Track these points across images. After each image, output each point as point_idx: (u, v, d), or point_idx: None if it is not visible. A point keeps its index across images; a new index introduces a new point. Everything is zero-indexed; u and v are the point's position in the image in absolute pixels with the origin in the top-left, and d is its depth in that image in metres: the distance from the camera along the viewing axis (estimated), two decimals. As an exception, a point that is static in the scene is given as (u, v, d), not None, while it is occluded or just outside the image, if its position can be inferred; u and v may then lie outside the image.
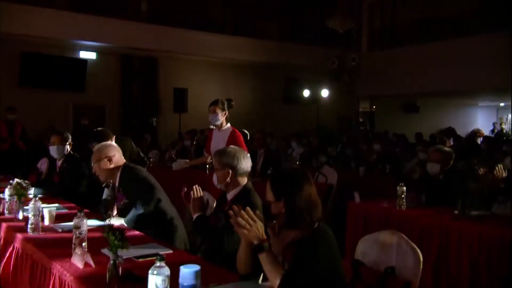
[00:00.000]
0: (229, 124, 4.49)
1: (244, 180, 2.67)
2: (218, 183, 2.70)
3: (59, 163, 4.22)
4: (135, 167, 3.19)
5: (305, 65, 13.22)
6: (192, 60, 12.48)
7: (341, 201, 4.68)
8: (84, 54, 11.05)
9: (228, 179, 2.63)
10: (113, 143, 3.24)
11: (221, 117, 4.40)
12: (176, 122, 10.90)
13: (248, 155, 4.04)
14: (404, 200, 3.82)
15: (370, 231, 2.56)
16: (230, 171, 2.63)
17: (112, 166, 3.11)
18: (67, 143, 4.20)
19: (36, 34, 9.66)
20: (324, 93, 13.68)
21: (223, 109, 4.41)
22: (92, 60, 11.14)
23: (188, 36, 11.55)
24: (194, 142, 8.23)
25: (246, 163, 2.68)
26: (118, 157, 3.16)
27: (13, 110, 7.93)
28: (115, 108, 11.35)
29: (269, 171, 5.18)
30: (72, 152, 4.24)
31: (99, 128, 4.32)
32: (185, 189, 2.74)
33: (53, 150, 4.15)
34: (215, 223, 2.64)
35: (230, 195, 2.68)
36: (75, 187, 4.01)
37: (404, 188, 3.83)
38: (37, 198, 2.70)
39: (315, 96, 13.72)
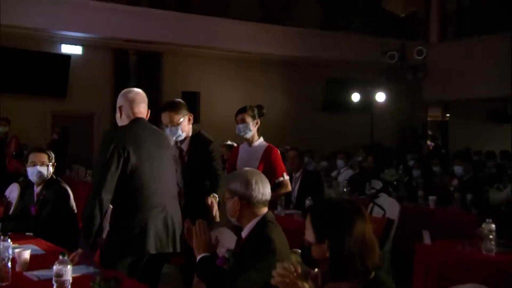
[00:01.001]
0: (262, 138, 4.55)
1: (262, 211, 2.70)
2: (229, 216, 2.76)
3: (37, 189, 4.25)
4: (141, 120, 3.27)
5: (354, 61, 13.20)
6: (206, 56, 12.65)
7: (405, 242, 4.61)
8: (66, 49, 11.33)
9: (237, 212, 2.67)
10: (141, 92, 3.34)
11: (253, 128, 4.48)
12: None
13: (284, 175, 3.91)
14: (493, 242, 3.74)
15: (446, 284, 2.51)
16: (240, 202, 2.67)
17: (120, 116, 3.31)
18: (51, 163, 4.25)
19: (4, 23, 9.83)
20: (380, 97, 13.60)
21: (254, 117, 4.48)
22: (77, 56, 11.40)
23: (201, 24, 11.73)
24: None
25: (262, 189, 2.71)
26: (129, 108, 3.28)
27: (5, 121, 8.08)
28: (106, 117, 11.56)
29: (308, 202, 5.17)
30: (54, 176, 4.29)
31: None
32: (188, 224, 2.78)
33: (34, 172, 4.18)
34: (222, 265, 2.65)
35: (244, 232, 2.71)
36: (57, 222, 4.03)
37: (493, 225, 3.75)
38: (6, 237, 2.69)
39: (367, 101, 13.65)
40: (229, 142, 7.41)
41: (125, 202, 3.07)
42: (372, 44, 13.14)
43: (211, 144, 4.03)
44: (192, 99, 11.01)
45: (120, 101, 3.31)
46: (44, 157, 4.22)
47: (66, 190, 4.20)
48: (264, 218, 2.68)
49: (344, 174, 8.44)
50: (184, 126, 3.93)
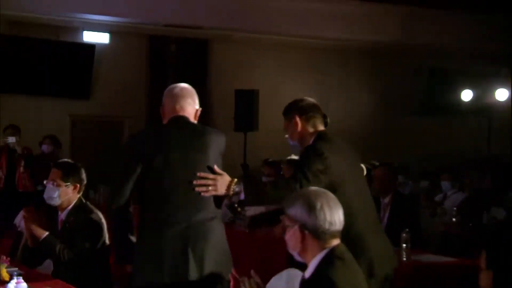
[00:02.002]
0: None
1: (330, 244, 2.71)
2: (290, 249, 2.81)
3: (62, 215, 4.36)
4: (179, 119, 3.59)
5: (465, 47, 12.93)
6: (266, 43, 12.74)
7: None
8: (90, 36, 11.60)
9: (299, 244, 2.70)
10: (187, 86, 3.72)
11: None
12: (239, 146, 10.97)
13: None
14: None
15: None
16: (301, 231, 2.68)
17: (163, 115, 3.69)
18: (69, 183, 4.32)
19: (13, 6, 10.07)
20: (501, 95, 13.27)
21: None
22: (104, 45, 11.66)
23: (259, 3, 11.72)
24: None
25: (329, 216, 2.70)
26: (170, 105, 3.63)
27: (14, 130, 8.45)
28: (139, 123, 11.62)
29: (404, 235, 5.10)
30: (84, 200, 4.40)
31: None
32: (234, 276, 2.86)
33: (45, 194, 4.30)
34: None
35: (308, 271, 2.74)
36: (85, 259, 4.13)
37: None
38: (19, 278, 2.81)
39: (483, 101, 13.36)
40: (293, 157, 7.28)
41: (144, 215, 3.41)
42: (490, 23, 12.84)
43: (316, 143, 3.73)
44: (248, 99, 11.07)
45: (163, 99, 3.68)
46: (57, 174, 4.32)
47: (100, 220, 4.30)
48: (330, 252, 2.68)
49: (453, 198, 8.29)
50: (292, 132, 3.87)
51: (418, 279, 4.83)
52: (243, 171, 10.59)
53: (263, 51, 12.77)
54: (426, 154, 12.56)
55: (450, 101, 13.56)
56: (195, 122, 3.66)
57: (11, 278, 2.99)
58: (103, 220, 4.30)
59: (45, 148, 9.24)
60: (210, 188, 3.36)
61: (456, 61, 13.48)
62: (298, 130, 3.78)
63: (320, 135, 3.74)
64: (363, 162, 7.40)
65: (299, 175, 3.41)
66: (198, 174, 3.36)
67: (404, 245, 4.94)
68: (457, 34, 12.81)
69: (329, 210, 2.70)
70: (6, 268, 3.31)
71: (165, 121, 3.63)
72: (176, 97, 3.63)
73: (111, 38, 11.79)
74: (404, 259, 4.92)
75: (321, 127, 3.78)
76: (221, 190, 3.39)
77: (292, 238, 2.72)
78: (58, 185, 4.27)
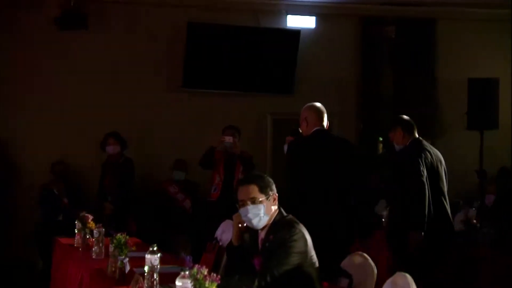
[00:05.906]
0: None
1: None
2: None
3: (261, 234, 4.46)
4: (319, 130, 6.20)
5: None
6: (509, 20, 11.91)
7: None
8: (294, 21, 11.54)
9: None
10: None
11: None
12: (474, 148, 10.48)
13: None
14: None
15: None
16: None
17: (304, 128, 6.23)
18: (269, 197, 4.39)
19: None
20: None
21: None
22: (309, 31, 11.60)
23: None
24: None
25: None
26: (312, 119, 6.12)
27: (232, 131, 8.96)
28: (349, 120, 11.73)
29: None
30: (285, 213, 4.46)
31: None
32: None
33: (245, 216, 4.39)
34: None
35: None
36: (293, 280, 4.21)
37: None
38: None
39: None
40: None
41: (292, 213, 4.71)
42: None
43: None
44: (484, 89, 10.37)
45: (304, 113, 6.23)
46: (254, 190, 4.36)
47: (303, 235, 4.32)
48: None
49: None
50: (396, 139, 7.04)
51: None
52: (478, 179, 10.17)
53: (504, 31, 11.87)
54: None
55: None
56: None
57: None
58: (308, 236, 4.35)
59: (110, 149, 9.26)
60: None
61: None
62: (401, 139, 6.70)
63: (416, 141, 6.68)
64: None
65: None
66: None
67: None
68: None
69: None
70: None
71: (308, 131, 6.16)
72: (320, 113, 6.25)
73: (317, 22, 11.70)
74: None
75: (416, 135, 6.70)
76: None
77: None
78: (260, 202, 4.35)
